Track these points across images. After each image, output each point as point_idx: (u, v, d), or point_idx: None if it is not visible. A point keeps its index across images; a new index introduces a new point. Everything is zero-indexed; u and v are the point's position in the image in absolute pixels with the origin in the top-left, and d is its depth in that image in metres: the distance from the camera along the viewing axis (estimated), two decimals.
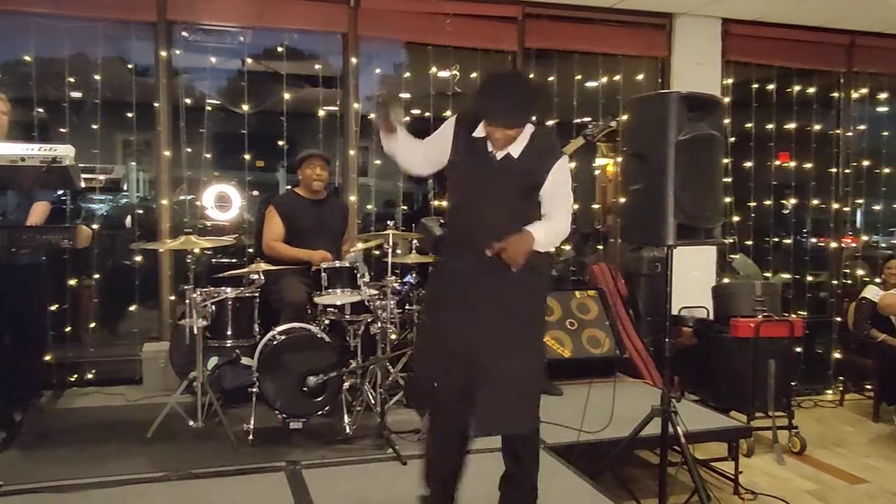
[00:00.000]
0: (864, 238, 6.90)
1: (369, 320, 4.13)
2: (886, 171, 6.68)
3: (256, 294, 3.99)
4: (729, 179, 5.98)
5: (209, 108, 5.22)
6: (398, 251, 4.36)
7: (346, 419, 3.86)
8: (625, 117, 3.87)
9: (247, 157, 5.28)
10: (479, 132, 2.64)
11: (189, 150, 5.21)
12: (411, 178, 5.68)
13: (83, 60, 5.04)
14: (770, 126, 6.32)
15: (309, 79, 5.61)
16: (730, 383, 4.78)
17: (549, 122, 5.76)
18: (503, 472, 2.83)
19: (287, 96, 5.28)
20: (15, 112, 3.97)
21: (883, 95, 6.76)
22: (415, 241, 4.18)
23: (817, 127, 6.50)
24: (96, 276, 5.04)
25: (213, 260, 5.56)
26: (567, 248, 6.14)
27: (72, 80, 4.92)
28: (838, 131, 6.57)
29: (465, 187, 2.73)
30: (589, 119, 5.93)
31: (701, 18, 5.92)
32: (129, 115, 5.06)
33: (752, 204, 6.29)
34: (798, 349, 5.28)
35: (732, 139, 6.07)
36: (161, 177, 5.12)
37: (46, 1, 4.75)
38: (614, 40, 5.85)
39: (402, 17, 5.39)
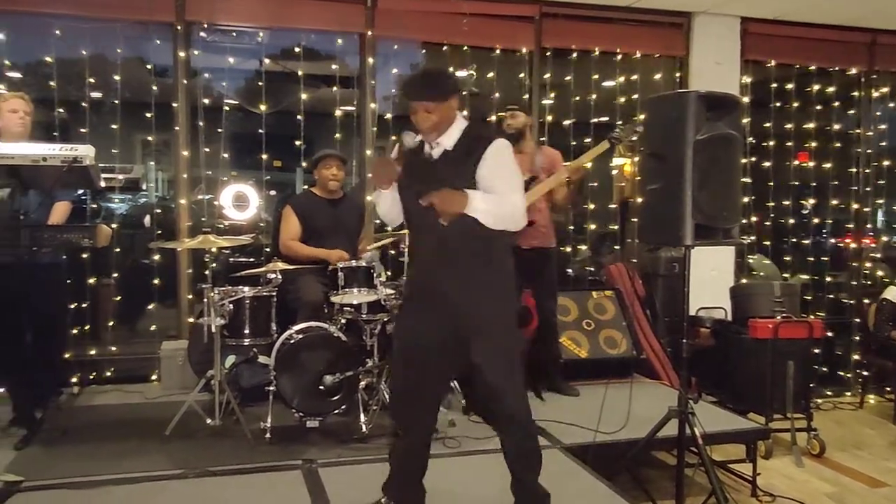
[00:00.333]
0: (885, 238, 6.82)
1: (385, 319, 4.13)
2: None
3: (274, 293, 4.00)
4: (748, 179, 5.94)
5: (227, 108, 5.24)
6: None
7: (363, 418, 3.86)
8: (643, 117, 3.85)
9: (264, 156, 5.31)
10: (417, 138, 2.71)
11: (207, 149, 5.23)
12: None
13: (103, 61, 5.09)
14: (789, 125, 6.27)
15: (326, 79, 5.62)
16: (748, 385, 4.74)
17: (566, 123, 5.75)
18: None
19: (304, 96, 5.29)
20: (36, 113, 4.03)
21: None
22: None
23: (837, 126, 6.42)
24: (115, 274, 5.08)
25: (231, 259, 5.58)
26: (584, 248, 6.12)
27: (92, 80, 4.96)
28: (858, 131, 6.50)
29: (412, 190, 2.69)
30: (606, 119, 5.92)
31: (720, 17, 5.88)
32: (148, 115, 5.09)
33: (771, 204, 6.25)
34: (817, 350, 5.23)
35: (751, 139, 6.04)
36: (179, 176, 5.16)
37: (67, 2, 4.80)
38: (632, 40, 5.81)
39: (418, 17, 5.40)
